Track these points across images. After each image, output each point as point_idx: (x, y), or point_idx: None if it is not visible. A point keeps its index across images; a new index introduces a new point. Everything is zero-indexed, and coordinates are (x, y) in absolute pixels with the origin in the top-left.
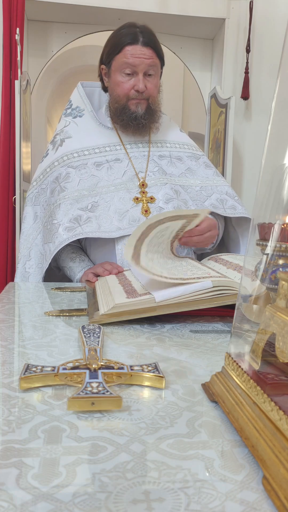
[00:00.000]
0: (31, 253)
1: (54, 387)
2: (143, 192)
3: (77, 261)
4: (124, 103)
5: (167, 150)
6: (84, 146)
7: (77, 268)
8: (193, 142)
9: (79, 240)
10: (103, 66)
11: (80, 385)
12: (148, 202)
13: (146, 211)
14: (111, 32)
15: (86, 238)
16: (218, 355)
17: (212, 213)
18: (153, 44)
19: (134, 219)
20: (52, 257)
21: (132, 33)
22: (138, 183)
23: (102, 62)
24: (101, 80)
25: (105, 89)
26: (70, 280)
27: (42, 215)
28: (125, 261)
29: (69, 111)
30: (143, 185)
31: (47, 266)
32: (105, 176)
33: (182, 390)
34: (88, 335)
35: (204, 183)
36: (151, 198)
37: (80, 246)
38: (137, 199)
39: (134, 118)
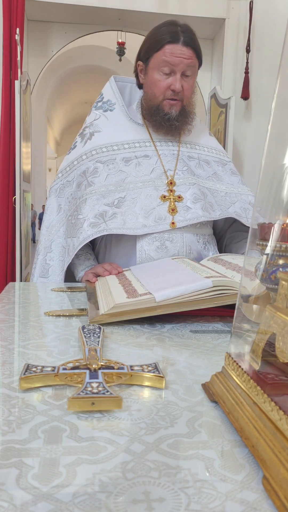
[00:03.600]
0: (53, 245)
1: (54, 387)
2: (171, 191)
3: (81, 258)
4: (159, 102)
5: (196, 152)
6: (113, 141)
7: (81, 266)
8: (221, 147)
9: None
10: (139, 63)
11: (80, 385)
12: (175, 201)
13: (173, 209)
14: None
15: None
16: (218, 355)
17: (231, 219)
18: (193, 44)
19: (160, 217)
20: (75, 252)
21: (173, 31)
22: (166, 181)
23: (139, 58)
24: (136, 76)
25: (139, 86)
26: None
27: (67, 208)
28: (143, 259)
29: (100, 104)
30: (171, 183)
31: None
32: (133, 172)
33: (182, 390)
34: (88, 335)
35: (229, 189)
36: (179, 197)
37: (90, 244)
38: (164, 197)
39: (167, 120)
